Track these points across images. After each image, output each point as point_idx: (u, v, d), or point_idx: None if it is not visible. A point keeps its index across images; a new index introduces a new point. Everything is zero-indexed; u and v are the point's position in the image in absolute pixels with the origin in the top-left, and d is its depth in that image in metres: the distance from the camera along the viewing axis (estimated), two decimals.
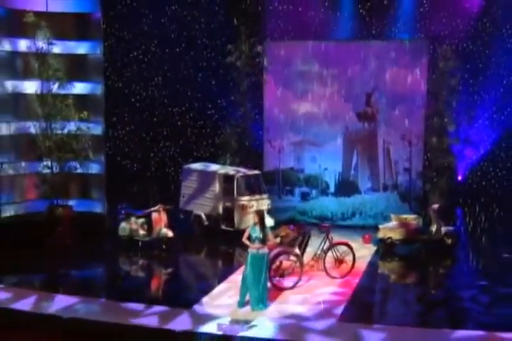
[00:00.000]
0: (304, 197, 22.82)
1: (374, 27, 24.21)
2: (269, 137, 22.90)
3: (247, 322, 13.49)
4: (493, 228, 22.41)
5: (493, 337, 12.94)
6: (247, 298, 14.36)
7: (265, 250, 14.39)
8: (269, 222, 20.02)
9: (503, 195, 24.72)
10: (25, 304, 14.53)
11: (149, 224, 19.38)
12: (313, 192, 22.77)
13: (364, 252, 19.04)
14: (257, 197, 20.72)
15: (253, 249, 14.24)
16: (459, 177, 25.15)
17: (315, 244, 17.07)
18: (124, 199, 21.68)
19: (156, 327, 13.35)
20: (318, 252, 16.87)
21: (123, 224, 19.53)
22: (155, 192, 23.74)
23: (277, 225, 19.13)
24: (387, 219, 20.27)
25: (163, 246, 19.14)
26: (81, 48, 20.84)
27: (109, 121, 25.19)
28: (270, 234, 14.64)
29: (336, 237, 18.76)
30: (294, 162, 22.89)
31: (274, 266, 15.71)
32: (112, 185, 21.61)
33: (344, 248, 17.07)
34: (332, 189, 22.61)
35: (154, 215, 19.31)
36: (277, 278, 15.81)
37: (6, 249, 18.25)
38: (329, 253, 16.82)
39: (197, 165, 22.25)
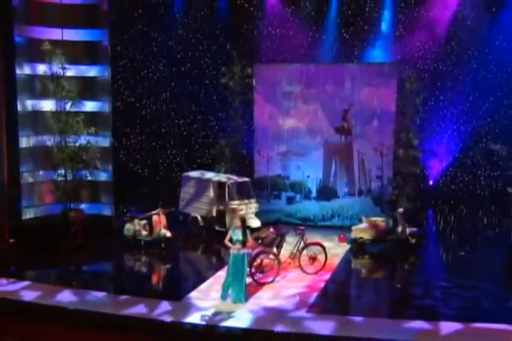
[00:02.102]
0: (290, 200, 22.93)
1: (356, 48, 24.61)
2: (258, 148, 23.02)
3: (228, 314, 13.88)
4: (461, 227, 22.66)
5: (469, 328, 13.22)
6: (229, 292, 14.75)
7: (245, 251, 14.85)
8: (257, 223, 20.53)
9: (469, 197, 25.04)
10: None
11: (150, 226, 19.71)
12: (298, 196, 22.89)
13: (339, 250, 19.37)
14: (246, 201, 20.99)
15: (234, 249, 14.71)
16: (431, 182, 25.50)
17: (293, 244, 17.52)
18: (131, 203, 22.20)
19: (148, 317, 13.74)
20: (294, 251, 17.25)
21: (127, 225, 19.87)
22: (163, 195, 24.25)
23: (264, 226, 19.54)
24: (362, 220, 20.51)
25: (163, 245, 19.45)
26: (91, 71, 21.01)
27: (123, 132, 25.71)
28: (249, 237, 15.18)
29: (317, 236, 19.40)
30: (280, 170, 22.98)
31: (255, 264, 16.10)
32: (120, 190, 21.86)
33: (317, 247, 17.50)
34: (314, 194, 22.72)
35: (154, 217, 19.67)
36: (258, 275, 16.18)
37: (26, 247, 18.69)
38: (304, 252, 17.17)
39: (194, 173, 22.58)
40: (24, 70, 20.17)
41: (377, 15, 24.55)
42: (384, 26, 24.56)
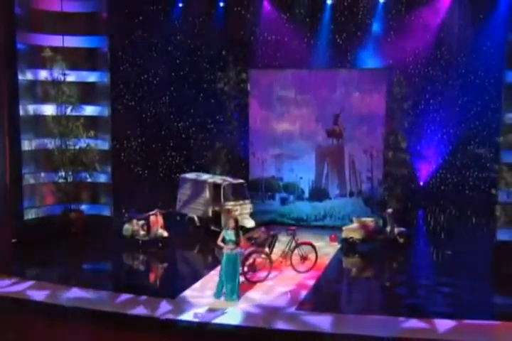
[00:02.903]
0: (283, 201, 23.05)
1: (348, 54, 24.73)
2: (253, 150, 23.17)
3: (221, 311, 14.04)
4: (449, 227, 22.78)
5: (455, 324, 13.36)
6: (223, 291, 14.91)
7: (237, 250, 15.04)
8: (251, 223, 20.72)
9: (458, 198, 25.15)
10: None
11: (148, 226, 19.82)
12: (291, 197, 23.01)
13: (330, 250, 19.54)
14: (241, 202, 21.14)
15: (227, 249, 14.90)
16: (421, 183, 25.63)
17: (285, 244, 17.67)
18: (130, 204, 22.27)
19: (143, 314, 13.91)
20: (286, 250, 17.43)
21: (126, 226, 19.99)
22: (162, 196, 24.33)
23: (258, 226, 19.72)
24: (352, 220, 20.63)
25: (160, 244, 19.59)
26: (91, 77, 21.22)
27: (124, 134, 25.83)
28: (242, 237, 15.37)
29: (309, 236, 19.54)
30: (274, 172, 23.10)
31: (247, 263, 16.25)
32: (120, 191, 22.00)
33: (308, 247, 17.67)
34: (307, 195, 22.84)
35: (152, 218, 19.78)
36: (250, 273, 16.33)
37: (28, 246, 18.94)
38: (295, 252, 17.34)
39: (191, 175, 22.77)
40: (26, 76, 20.34)
41: (369, 21, 24.64)
42: (375, 32, 24.66)
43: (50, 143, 20.59)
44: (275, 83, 22.82)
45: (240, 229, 15.52)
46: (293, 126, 22.76)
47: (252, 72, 23.30)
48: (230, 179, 21.71)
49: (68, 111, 20.36)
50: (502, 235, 17.99)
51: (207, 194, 21.47)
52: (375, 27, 24.57)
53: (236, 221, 15.32)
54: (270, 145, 23.06)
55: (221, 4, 25.47)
